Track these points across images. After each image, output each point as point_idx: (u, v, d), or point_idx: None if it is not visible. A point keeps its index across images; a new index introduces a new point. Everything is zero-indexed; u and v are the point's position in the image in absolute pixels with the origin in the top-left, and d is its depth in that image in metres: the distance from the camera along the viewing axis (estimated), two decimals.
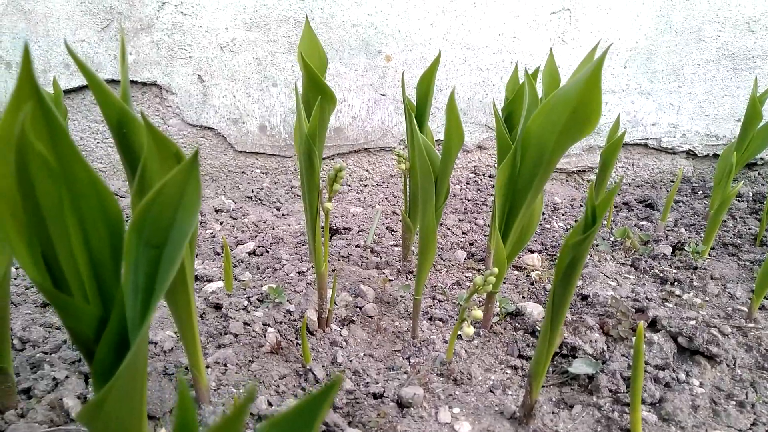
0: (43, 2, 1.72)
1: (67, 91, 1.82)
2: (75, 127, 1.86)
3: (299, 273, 1.07)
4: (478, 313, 0.77)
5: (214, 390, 0.74)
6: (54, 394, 0.70)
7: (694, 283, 1.09)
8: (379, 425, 0.70)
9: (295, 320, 0.89)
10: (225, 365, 0.78)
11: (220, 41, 1.79)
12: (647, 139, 1.96)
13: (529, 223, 0.87)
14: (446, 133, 0.79)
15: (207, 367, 0.78)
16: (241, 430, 0.30)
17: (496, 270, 0.76)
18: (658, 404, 0.76)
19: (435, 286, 1.07)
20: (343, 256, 1.17)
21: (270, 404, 0.71)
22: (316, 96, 0.93)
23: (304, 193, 0.83)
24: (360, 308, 0.97)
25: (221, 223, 1.46)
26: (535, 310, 0.96)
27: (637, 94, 1.90)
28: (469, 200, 1.77)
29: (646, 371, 0.82)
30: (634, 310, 0.94)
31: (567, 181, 2.05)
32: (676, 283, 1.09)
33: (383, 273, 1.11)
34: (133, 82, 1.82)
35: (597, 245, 1.28)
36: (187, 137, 1.88)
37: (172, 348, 0.83)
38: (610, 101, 1.91)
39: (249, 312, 0.89)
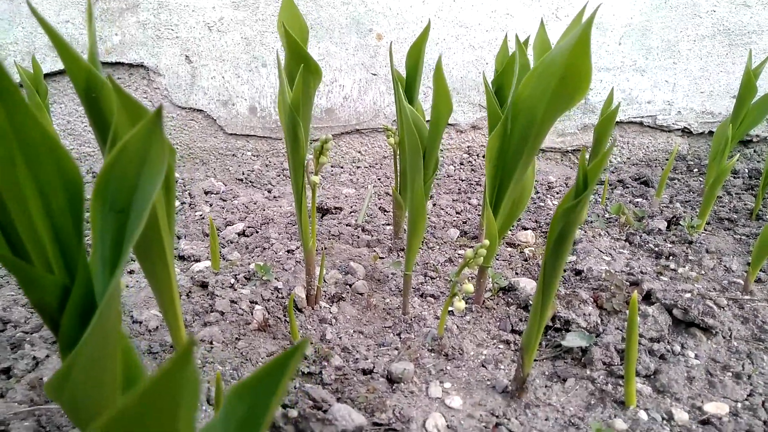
0: None
1: (53, 74, 1.78)
2: (61, 111, 1.83)
3: (288, 251, 1.05)
4: (469, 287, 0.76)
5: (200, 367, 0.73)
6: (34, 373, 0.68)
7: (690, 257, 1.07)
8: (368, 401, 0.69)
9: (283, 297, 0.87)
10: (211, 343, 0.76)
11: (207, 21, 1.76)
12: (642, 116, 1.93)
13: (520, 196, 0.85)
14: (434, 102, 0.76)
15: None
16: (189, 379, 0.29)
17: (487, 242, 0.74)
18: (652, 376, 0.75)
19: (427, 263, 1.05)
20: (333, 235, 1.15)
21: None
22: (299, 68, 0.90)
23: (290, 169, 0.81)
24: (350, 285, 0.95)
25: (211, 205, 1.43)
26: (528, 285, 0.94)
27: (632, 71, 1.87)
28: (462, 180, 1.75)
29: (640, 344, 0.80)
30: (628, 283, 0.92)
31: (562, 160, 2.03)
32: (671, 257, 1.07)
33: (374, 251, 1.09)
34: (119, 63, 1.79)
35: (591, 222, 1.27)
36: (176, 120, 1.85)
37: (157, 327, 0.81)
38: (604, 78, 1.88)
39: (236, 290, 0.87)
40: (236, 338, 0.78)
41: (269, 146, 1.90)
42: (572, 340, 0.79)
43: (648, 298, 0.90)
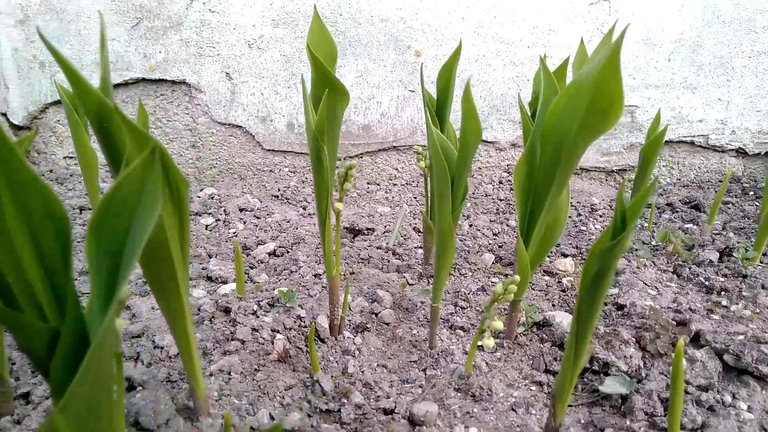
0: (75, 2, 1.73)
1: None
2: None
3: (315, 275, 1.03)
4: (499, 324, 0.71)
5: (216, 400, 0.70)
6: (51, 400, 0.67)
7: (743, 293, 0.99)
8: None
9: (305, 326, 0.85)
10: (229, 373, 0.74)
11: (247, 38, 1.77)
12: (693, 136, 1.84)
13: (554, 223, 0.80)
14: (462, 128, 0.73)
15: (210, 375, 0.74)
16: None
17: (517, 278, 0.69)
18: (699, 430, 0.69)
19: (458, 292, 1.01)
20: (363, 259, 1.12)
21: (272, 418, 0.67)
22: (327, 92, 0.88)
23: (315, 193, 0.79)
24: (376, 314, 0.91)
25: (244, 222, 1.43)
26: (565, 320, 0.89)
27: (682, 88, 1.79)
28: (501, 200, 1.70)
29: (686, 392, 0.74)
30: (674, 322, 0.86)
31: (606, 180, 1.95)
32: (723, 293, 1.00)
33: (403, 276, 1.05)
34: (162, 80, 1.82)
35: (636, 250, 1.20)
36: (215, 135, 1.87)
37: (178, 353, 0.80)
38: (653, 96, 1.80)
39: (258, 317, 0.85)
40: (255, 369, 0.76)
41: (306, 162, 1.89)
42: (611, 385, 0.73)
43: (696, 340, 0.84)
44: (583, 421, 0.72)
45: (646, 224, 1.41)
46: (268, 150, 1.88)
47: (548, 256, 1.20)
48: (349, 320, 0.88)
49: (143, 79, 1.82)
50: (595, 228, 1.43)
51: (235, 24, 1.75)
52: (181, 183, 0.54)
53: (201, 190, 1.69)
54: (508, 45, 1.77)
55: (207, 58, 1.78)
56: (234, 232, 1.36)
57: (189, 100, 1.85)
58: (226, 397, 0.70)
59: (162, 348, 0.81)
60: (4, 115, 1.83)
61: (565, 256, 1.20)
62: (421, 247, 1.22)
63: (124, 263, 0.38)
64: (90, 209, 1.43)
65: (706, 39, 1.73)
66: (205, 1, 1.72)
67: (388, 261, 1.11)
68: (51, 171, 1.84)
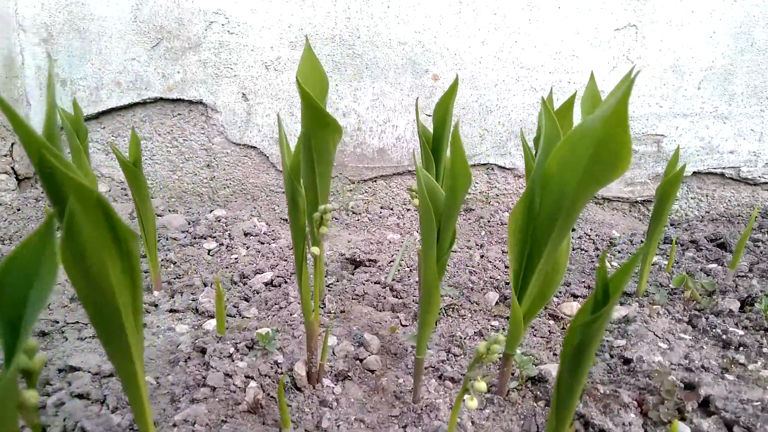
0: (98, 21, 1.74)
1: (117, 109, 1.84)
2: (124, 144, 1.87)
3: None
4: (482, 386, 0.66)
5: None
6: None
7: (764, 350, 0.91)
8: None
9: (282, 372, 0.81)
10: (194, 425, 0.70)
11: (265, 60, 1.76)
12: (724, 167, 1.75)
13: (552, 273, 0.75)
14: (450, 172, 0.68)
15: (174, 425, 0.70)
16: None
17: (501, 338, 0.64)
18: None
19: (453, 336, 0.96)
20: (357, 295, 1.08)
21: None
22: (317, 126, 0.84)
23: (292, 236, 0.75)
24: (361, 360, 0.87)
25: (247, 248, 1.40)
26: None
27: (712, 118, 1.70)
28: None
29: None
30: (682, 385, 0.78)
31: (630, 211, 1.87)
32: (740, 349, 0.92)
33: (397, 316, 1.01)
34: (180, 100, 1.82)
35: (652, 294, 1.12)
36: (230, 156, 1.86)
37: (149, 396, 0.76)
38: (681, 125, 1.72)
39: (234, 360, 0.81)
40: (222, 420, 0.72)
41: None
42: None
43: (705, 405, 0.76)
44: None
45: (666, 263, 1.33)
46: (281, 171, 1.86)
47: (556, 297, 1.14)
48: (331, 366, 0.84)
49: (161, 99, 1.83)
50: (611, 266, 1.36)
51: (253, 45, 1.75)
52: (128, 235, 0.51)
53: (210, 211, 1.68)
54: (528, 70, 1.72)
55: (224, 79, 1.78)
56: (236, 258, 1.34)
57: (205, 120, 1.84)
58: None
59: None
60: None
61: (575, 297, 1.14)
62: None
63: (22, 334, 0.35)
64: None
65: (738, 67, 1.65)
66: (224, 23, 1.72)
67: (384, 298, 1.06)
68: None
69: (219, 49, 1.75)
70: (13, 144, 1.81)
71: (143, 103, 1.84)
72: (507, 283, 1.21)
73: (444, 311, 1.03)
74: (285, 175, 0.70)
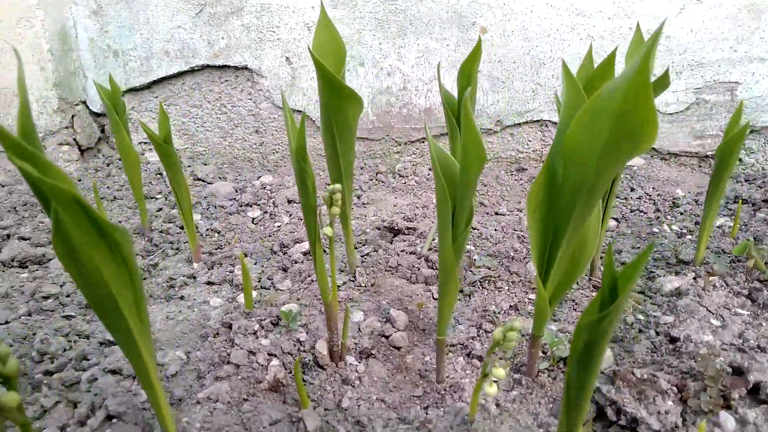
0: None
1: (168, 77, 1.87)
2: (176, 112, 1.91)
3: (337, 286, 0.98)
4: (500, 372, 0.62)
5: (205, 430, 0.68)
6: (39, 422, 0.68)
7: None
8: None
9: (305, 351, 0.80)
10: (216, 402, 0.71)
11: (306, 21, 1.72)
12: None
13: (579, 253, 0.69)
14: (463, 149, 0.63)
15: (197, 403, 0.72)
16: None
17: (517, 324, 0.60)
18: None
19: (486, 311, 0.92)
20: (390, 267, 1.05)
21: None
22: (335, 99, 0.81)
23: (304, 216, 0.73)
24: (387, 337, 0.85)
25: (290, 216, 1.40)
26: None
27: None
28: None
29: None
30: (730, 370, 0.72)
31: (699, 167, 1.72)
32: None
33: (429, 290, 0.98)
34: (226, 66, 1.82)
35: (710, 263, 1.04)
36: (277, 121, 1.86)
37: (176, 373, 0.78)
38: (758, 71, 1.55)
39: (258, 338, 0.82)
40: (244, 399, 0.72)
41: (366, 147, 1.84)
42: None
43: (755, 392, 0.70)
44: None
45: (731, 225, 1.22)
46: None
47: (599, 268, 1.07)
48: (356, 343, 0.83)
49: (208, 66, 1.84)
50: (671, 230, 1.26)
51: (294, 7, 1.71)
52: (120, 236, 0.50)
53: (258, 178, 1.69)
54: (585, 17, 1.59)
55: (267, 43, 1.76)
56: (278, 227, 1.34)
57: (251, 85, 1.84)
58: (207, 431, 0.68)
59: (162, 365, 0.80)
60: (84, 102, 1.92)
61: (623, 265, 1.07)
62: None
63: None
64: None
65: None
66: None
67: (418, 269, 1.03)
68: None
69: (261, 13, 1.73)
70: (73, 116, 1.88)
71: (191, 71, 1.85)
72: None
73: (480, 283, 0.99)
74: (292, 156, 0.68)
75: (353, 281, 1.01)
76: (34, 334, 0.87)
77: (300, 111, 1.83)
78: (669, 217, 1.34)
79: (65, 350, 0.83)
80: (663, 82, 0.83)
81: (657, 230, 1.26)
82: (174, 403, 0.72)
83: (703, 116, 1.67)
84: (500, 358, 0.82)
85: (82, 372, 0.77)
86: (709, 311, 0.88)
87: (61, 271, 1.11)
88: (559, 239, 0.67)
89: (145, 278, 1.08)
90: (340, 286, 0.99)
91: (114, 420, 0.66)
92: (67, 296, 1.00)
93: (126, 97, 1.94)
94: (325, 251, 0.93)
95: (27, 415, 0.69)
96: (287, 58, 1.79)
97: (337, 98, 0.80)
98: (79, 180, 1.71)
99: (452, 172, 0.67)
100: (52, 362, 0.79)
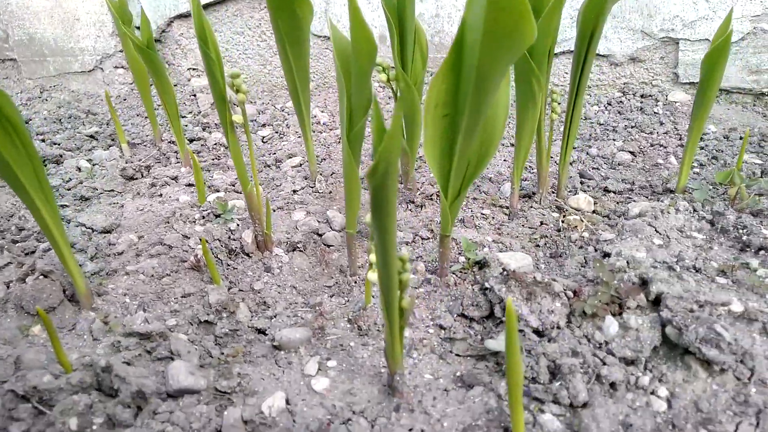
0: None
1: (213, 4, 1.94)
2: (220, 39, 1.99)
3: (293, 191, 1.02)
4: (373, 277, 0.63)
5: (115, 296, 0.75)
6: None
7: None
8: (225, 364, 0.64)
9: (235, 239, 0.85)
10: (141, 274, 0.79)
11: None
12: None
13: (487, 141, 0.67)
14: (352, 39, 0.63)
15: (126, 274, 0.79)
16: None
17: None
18: (571, 407, 0.56)
19: (431, 221, 0.92)
20: None
21: (147, 321, 0.70)
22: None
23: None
24: (320, 235, 0.88)
25: (299, 137, 1.45)
26: (513, 263, 0.76)
27: None
28: (600, 125, 1.48)
29: (603, 363, 0.60)
30: (637, 280, 0.68)
31: (753, 105, 1.57)
32: (760, 253, 0.77)
33: None
34: None
35: (692, 190, 0.97)
36: (312, 48, 1.89)
37: (123, 251, 0.86)
38: None
39: (194, 225, 0.88)
40: (166, 274, 0.79)
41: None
42: (494, 342, 0.63)
43: (657, 304, 0.66)
44: (458, 374, 0.63)
45: (736, 159, 1.12)
46: None
47: (570, 189, 1.02)
48: (289, 237, 0.87)
49: None
50: (677, 162, 1.17)
51: None
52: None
53: (287, 102, 1.74)
54: None
55: None
56: (284, 145, 1.39)
57: None
58: (124, 296, 0.75)
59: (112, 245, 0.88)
60: (138, 28, 2.05)
61: (606, 191, 1.02)
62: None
63: None
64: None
65: None
66: None
67: None
68: (176, 85, 2.02)
69: None
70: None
71: None
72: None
73: (435, 197, 0.99)
74: (200, 46, 0.71)
75: (312, 187, 1.04)
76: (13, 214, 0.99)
77: (328, 38, 1.85)
78: (680, 151, 1.24)
79: (35, 227, 0.94)
80: None
81: (662, 161, 1.18)
82: (109, 274, 0.80)
83: (760, 48, 1.50)
84: (418, 257, 0.83)
85: (41, 242, 0.87)
86: (657, 231, 0.83)
87: None
88: (458, 134, 0.66)
89: (136, 178, 1.18)
90: (297, 190, 1.03)
91: (41, 277, 0.75)
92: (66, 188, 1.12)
93: (175, 24, 2.04)
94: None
95: None
96: None
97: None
98: (125, 99, 1.85)
99: (347, 58, 0.67)
100: (19, 233, 0.90)
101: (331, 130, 1.49)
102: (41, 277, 0.73)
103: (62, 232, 0.67)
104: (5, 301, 0.74)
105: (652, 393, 0.57)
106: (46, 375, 0.58)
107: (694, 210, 0.89)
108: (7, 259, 0.81)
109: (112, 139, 1.45)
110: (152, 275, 0.79)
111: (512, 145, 1.33)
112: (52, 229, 0.66)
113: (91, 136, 1.46)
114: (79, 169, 1.22)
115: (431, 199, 0.99)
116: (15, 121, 0.59)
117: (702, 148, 1.27)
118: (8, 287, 0.76)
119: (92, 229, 0.91)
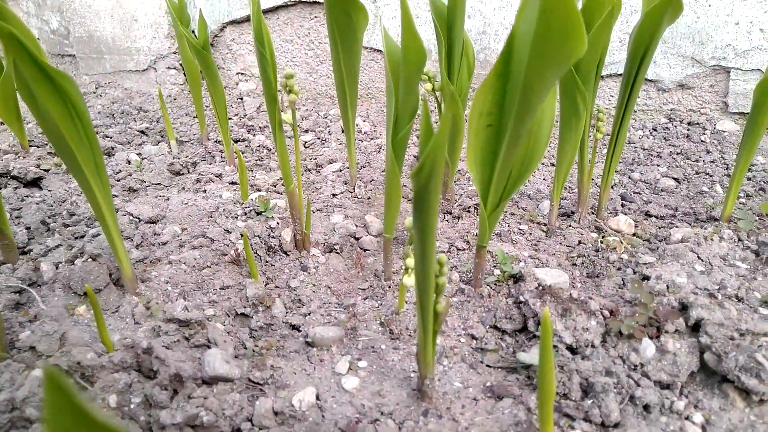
0: None
1: (265, 11, 1.99)
2: (276, 45, 2.04)
3: (333, 195, 1.03)
4: (410, 281, 0.64)
5: (158, 284, 0.77)
6: (44, 258, 0.82)
7: None
8: (260, 357, 0.66)
9: (274, 236, 0.87)
10: (183, 264, 0.81)
11: None
12: None
13: (531, 154, 0.67)
14: (402, 46, 0.65)
15: (169, 263, 0.82)
16: None
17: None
18: (603, 426, 0.55)
19: (467, 232, 0.93)
20: None
21: (187, 309, 0.72)
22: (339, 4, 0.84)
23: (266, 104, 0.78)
24: (357, 239, 0.89)
25: (341, 143, 1.47)
26: (549, 279, 0.76)
27: None
28: (644, 149, 1.46)
29: (637, 384, 0.59)
30: (677, 305, 0.67)
31: None
32: None
33: None
34: (316, 2, 1.91)
35: (737, 219, 0.95)
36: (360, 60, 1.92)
37: (167, 241, 0.89)
38: None
39: (236, 221, 0.90)
40: (207, 266, 0.81)
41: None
42: (527, 356, 0.62)
43: (696, 330, 0.65)
44: (487, 385, 0.63)
45: None
46: None
47: (610, 211, 1.01)
48: (327, 239, 0.88)
49: (300, 2, 1.93)
50: (723, 191, 1.15)
51: None
52: (66, 83, 0.59)
53: (330, 110, 1.77)
54: None
55: None
56: (325, 151, 1.41)
57: None
58: (166, 284, 0.77)
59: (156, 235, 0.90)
60: (194, 32, 2.11)
61: (648, 216, 1.01)
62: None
63: None
64: None
65: None
66: None
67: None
68: (224, 88, 2.07)
69: None
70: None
71: (285, 6, 1.96)
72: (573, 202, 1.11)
73: (473, 209, 1.00)
74: (255, 41, 0.73)
75: (351, 192, 1.06)
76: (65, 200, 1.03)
77: (380, 51, 1.87)
78: (727, 176, 1.22)
79: (86, 212, 0.97)
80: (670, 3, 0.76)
81: (707, 189, 1.16)
82: (153, 262, 0.83)
83: None
84: (452, 267, 0.83)
85: (90, 228, 0.91)
86: (699, 258, 0.81)
87: None
88: (501, 144, 0.66)
89: (182, 174, 1.21)
90: (336, 194, 1.04)
91: (89, 260, 0.78)
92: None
93: (227, 29, 2.10)
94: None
95: (35, 250, 0.84)
96: None
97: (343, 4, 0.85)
98: (175, 99, 1.90)
99: (397, 64, 0.69)
100: (70, 218, 0.94)
101: (372, 139, 1.51)
102: (90, 259, 0.76)
103: (114, 217, 0.70)
104: (54, 280, 0.77)
105: (687, 418, 0.56)
106: (90, 352, 0.60)
107: (739, 239, 0.88)
108: (58, 242, 0.85)
109: (161, 136, 1.50)
110: (194, 266, 0.81)
111: (553, 165, 1.33)
112: (105, 214, 0.68)
113: (142, 132, 1.51)
114: (129, 162, 1.27)
115: (469, 211, 1.00)
116: (80, 108, 0.62)
117: (749, 178, 1.24)
118: (57, 268, 0.79)
119: (139, 218, 0.94)
